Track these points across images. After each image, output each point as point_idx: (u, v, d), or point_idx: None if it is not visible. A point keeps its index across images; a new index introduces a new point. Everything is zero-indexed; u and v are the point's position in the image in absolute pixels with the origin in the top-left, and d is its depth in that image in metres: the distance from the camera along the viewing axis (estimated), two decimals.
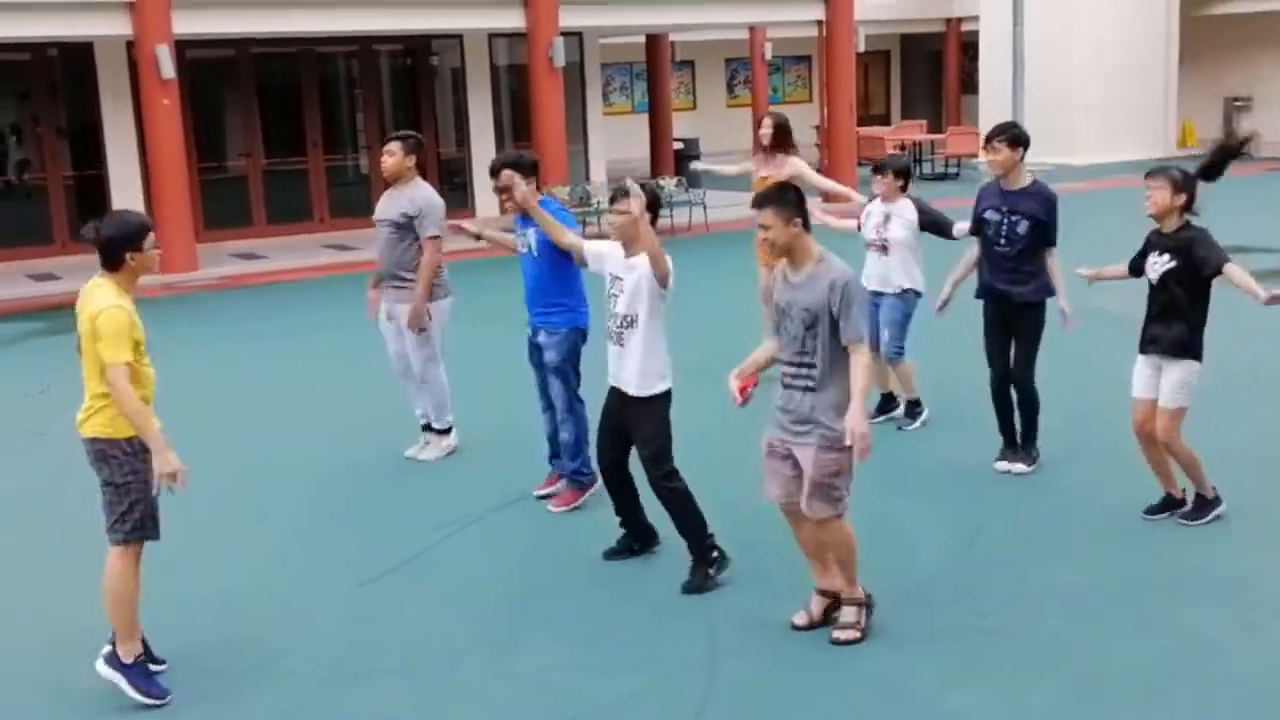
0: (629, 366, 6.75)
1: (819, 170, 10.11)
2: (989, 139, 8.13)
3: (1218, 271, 6.97)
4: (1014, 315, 8.21)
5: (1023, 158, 8.10)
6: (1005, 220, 8.07)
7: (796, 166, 10.37)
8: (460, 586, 6.98)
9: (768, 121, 10.70)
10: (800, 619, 6.24)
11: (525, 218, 7.80)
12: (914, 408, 9.49)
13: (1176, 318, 7.10)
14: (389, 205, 8.94)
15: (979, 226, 8.28)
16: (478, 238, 8.57)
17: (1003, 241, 8.08)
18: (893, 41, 41.07)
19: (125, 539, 5.74)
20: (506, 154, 8.26)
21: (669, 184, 21.62)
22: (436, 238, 8.82)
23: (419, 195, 8.86)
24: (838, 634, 6.04)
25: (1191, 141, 31.71)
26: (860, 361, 5.77)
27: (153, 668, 5.89)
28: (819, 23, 23.91)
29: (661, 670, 5.88)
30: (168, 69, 17.93)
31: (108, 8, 17.81)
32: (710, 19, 24.67)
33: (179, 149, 18.63)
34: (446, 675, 5.96)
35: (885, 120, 39.56)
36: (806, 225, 5.86)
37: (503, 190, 7.75)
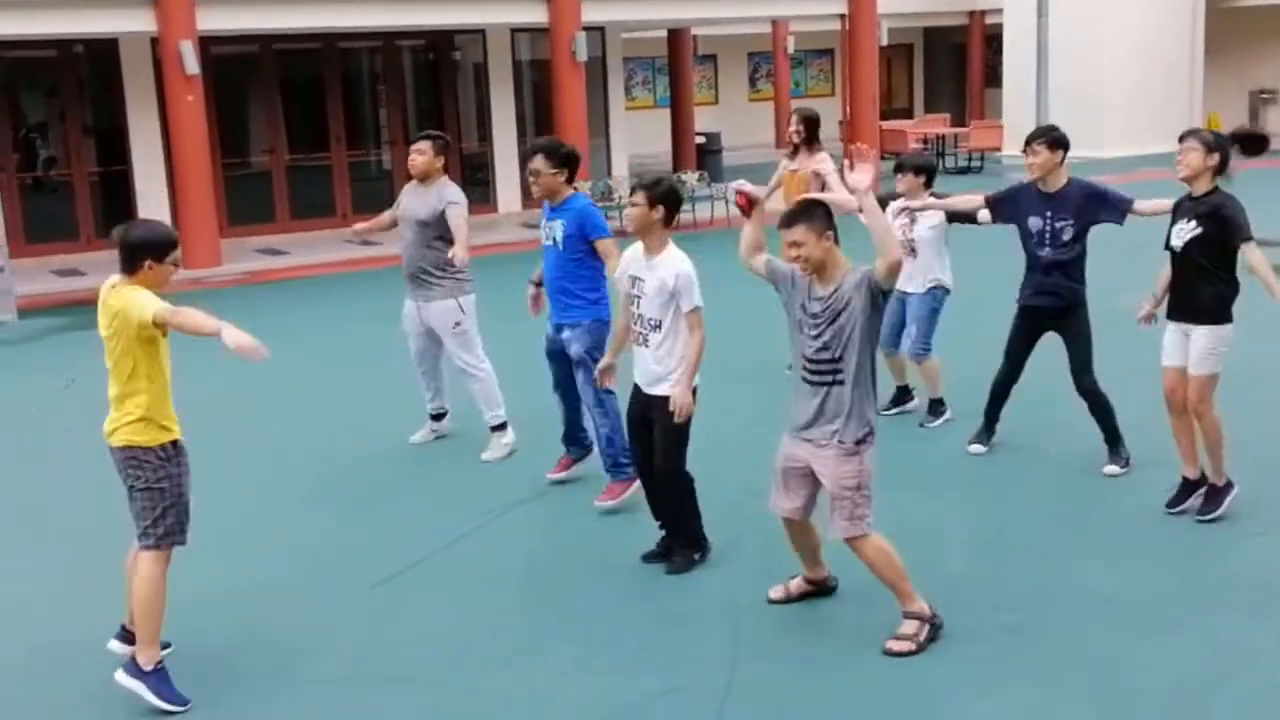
0: (654, 367, 6.76)
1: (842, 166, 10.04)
2: (1028, 142, 8.11)
3: (1247, 239, 6.93)
4: (1059, 318, 8.17)
5: (1063, 160, 8.05)
6: (1049, 226, 8.02)
7: (826, 162, 10.32)
8: (477, 586, 6.97)
9: (795, 119, 10.69)
10: (776, 592, 6.34)
11: (553, 208, 7.81)
12: (938, 406, 9.46)
13: (1204, 282, 7.06)
14: (414, 203, 8.95)
15: (1021, 232, 8.18)
16: (539, 285, 8.32)
17: (1048, 249, 8.04)
18: (916, 35, 40.93)
19: (158, 543, 5.75)
20: (539, 140, 8.20)
21: (691, 178, 21.61)
22: (465, 215, 8.82)
23: (446, 191, 8.89)
24: (892, 643, 5.90)
25: None
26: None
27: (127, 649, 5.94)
28: (841, 16, 23.84)
29: (682, 672, 5.87)
30: (192, 65, 17.97)
31: (132, 4, 17.86)
32: (732, 13, 24.62)
33: (203, 145, 18.67)
34: (466, 679, 5.95)
35: (908, 114, 39.45)
36: (837, 239, 5.83)
37: (531, 174, 7.80)
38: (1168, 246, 7.28)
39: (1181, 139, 7.13)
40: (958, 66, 40.20)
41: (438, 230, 8.83)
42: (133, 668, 5.76)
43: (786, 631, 6.20)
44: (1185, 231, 7.08)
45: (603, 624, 6.43)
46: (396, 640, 6.35)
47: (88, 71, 21.15)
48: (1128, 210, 7.95)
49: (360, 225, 9.58)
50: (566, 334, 7.85)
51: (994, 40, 36.13)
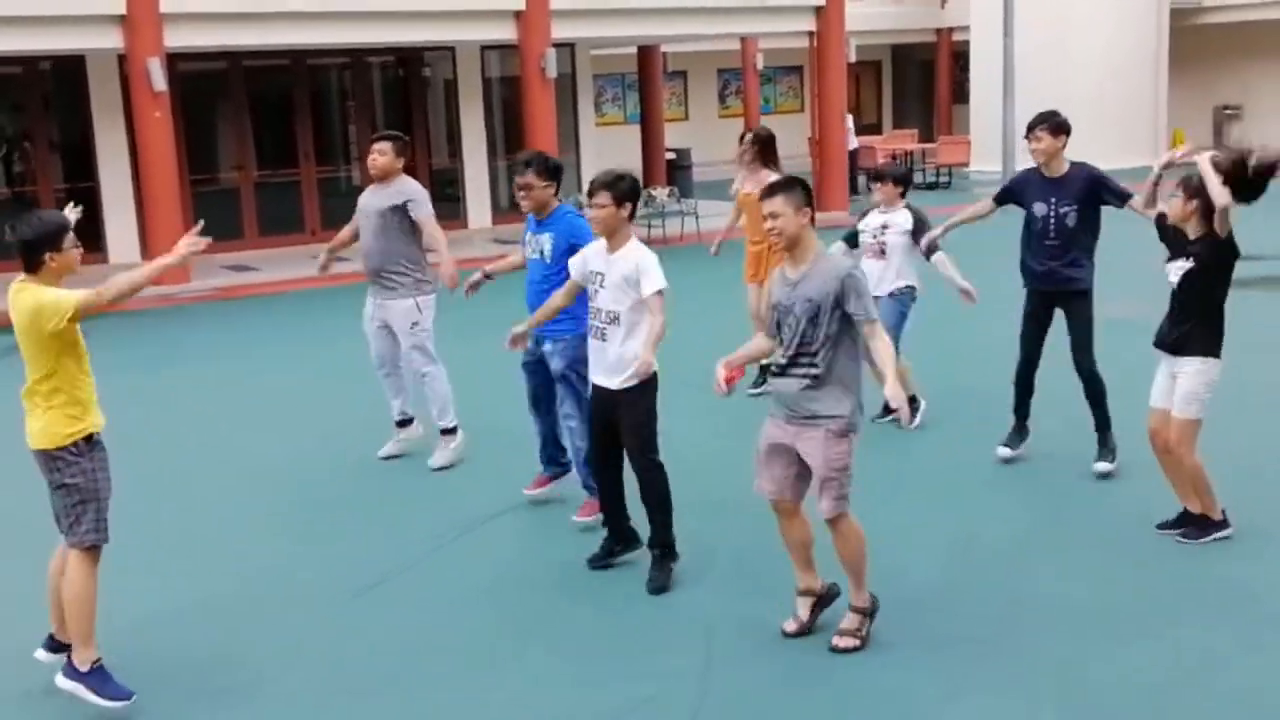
0: (613, 360, 6.75)
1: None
2: (1031, 127, 8.28)
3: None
4: (1064, 303, 8.30)
5: (1064, 146, 8.24)
6: (1053, 212, 8.17)
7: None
8: (451, 599, 6.96)
9: (749, 137, 10.64)
10: (790, 626, 6.23)
11: (540, 221, 7.76)
12: (912, 403, 9.49)
13: (1193, 315, 7.07)
14: (374, 198, 8.97)
15: (1012, 202, 8.45)
16: (488, 277, 8.38)
17: (1053, 234, 8.18)
18: (884, 52, 41.16)
19: (81, 541, 5.70)
20: (527, 154, 8.18)
21: (661, 194, 21.64)
22: (432, 215, 8.90)
23: (407, 186, 8.94)
24: (838, 640, 6.01)
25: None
26: (880, 337, 5.81)
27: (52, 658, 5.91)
28: (810, 33, 23.94)
29: (655, 681, 5.87)
30: (159, 82, 17.91)
31: (99, 21, 17.79)
32: (702, 30, 24.68)
33: (171, 161, 18.60)
34: (440, 690, 5.94)
35: (877, 130, 39.61)
36: (813, 219, 5.90)
37: (521, 188, 7.76)
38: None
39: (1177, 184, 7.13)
40: (925, 83, 40.44)
41: (398, 221, 8.85)
42: (70, 670, 5.73)
43: (759, 642, 6.20)
44: (1179, 267, 7.08)
45: (576, 636, 6.43)
46: (369, 653, 6.33)
47: (54, 88, 21.06)
48: (1126, 199, 8.12)
49: (326, 248, 9.48)
50: (548, 347, 7.65)
51: (961, 57, 36.37)
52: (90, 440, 5.77)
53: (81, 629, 5.72)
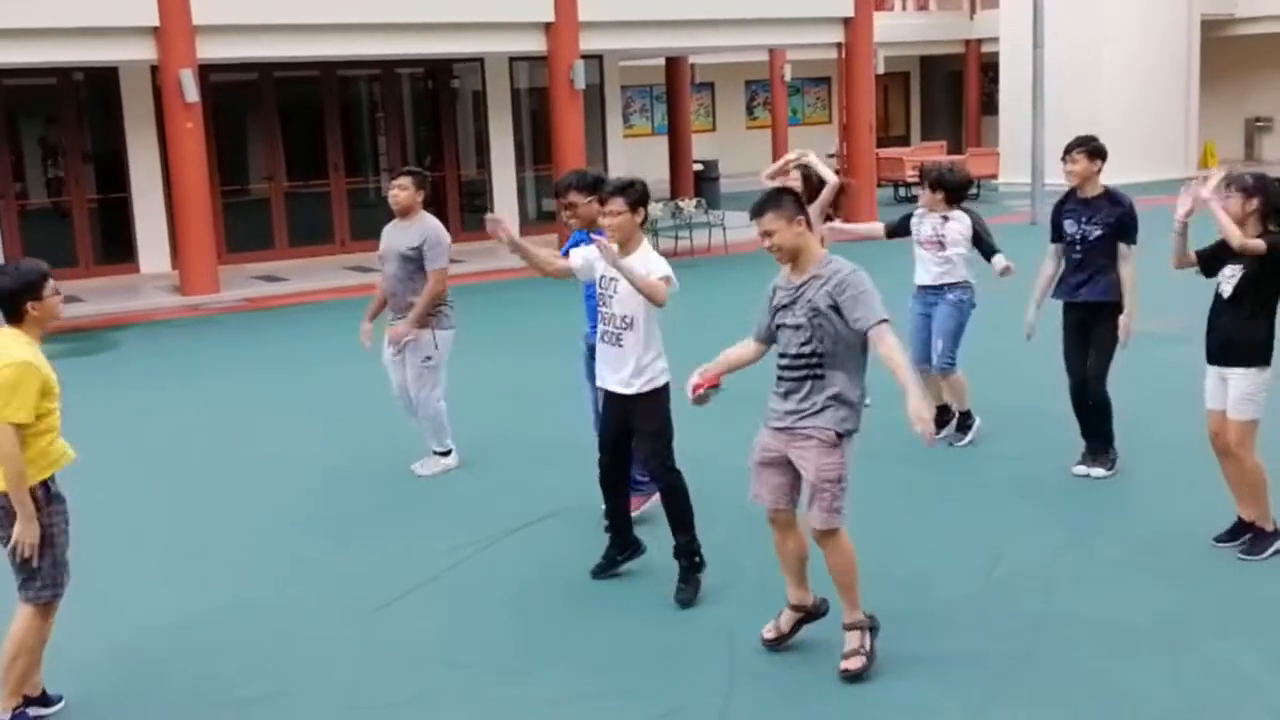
0: (628, 366, 6.73)
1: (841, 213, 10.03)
2: (1068, 150, 8.48)
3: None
4: (1089, 316, 8.40)
5: (1099, 170, 8.42)
6: (1081, 228, 8.39)
7: (809, 154, 10.16)
8: (475, 610, 6.98)
9: (798, 174, 10.57)
10: (769, 633, 6.24)
11: (593, 235, 7.67)
12: (965, 419, 9.51)
13: (1241, 323, 7.02)
14: (397, 238, 9.06)
15: (1058, 235, 8.55)
16: (512, 246, 8.36)
17: (1078, 249, 8.40)
18: (912, 63, 41.11)
19: (36, 596, 5.59)
20: (564, 176, 8.16)
21: (688, 205, 21.68)
22: (443, 270, 8.96)
23: (426, 228, 9.01)
24: (846, 665, 5.89)
25: (1213, 162, 31.62)
26: (889, 342, 5.62)
27: (43, 711, 5.81)
28: (838, 45, 23.94)
29: (677, 696, 5.86)
30: (191, 93, 18.05)
31: (133, 32, 17.94)
32: (730, 41, 24.71)
33: (202, 172, 18.74)
34: (463, 704, 5.95)
35: (905, 141, 39.58)
36: (809, 224, 5.84)
37: (566, 208, 7.77)
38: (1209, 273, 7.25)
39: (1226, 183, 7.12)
40: (954, 94, 40.37)
41: (416, 263, 8.95)
42: None
43: (782, 656, 6.19)
44: (1230, 276, 7.04)
45: (599, 650, 6.43)
46: (392, 667, 6.34)
47: (87, 99, 21.23)
48: (1128, 246, 8.29)
49: (366, 316, 9.48)
50: None
51: (990, 69, 36.30)
52: (47, 489, 5.58)
53: (14, 679, 5.61)
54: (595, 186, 7.71)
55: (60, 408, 5.66)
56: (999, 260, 9.08)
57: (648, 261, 6.71)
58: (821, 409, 5.77)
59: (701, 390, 6.06)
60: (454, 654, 6.45)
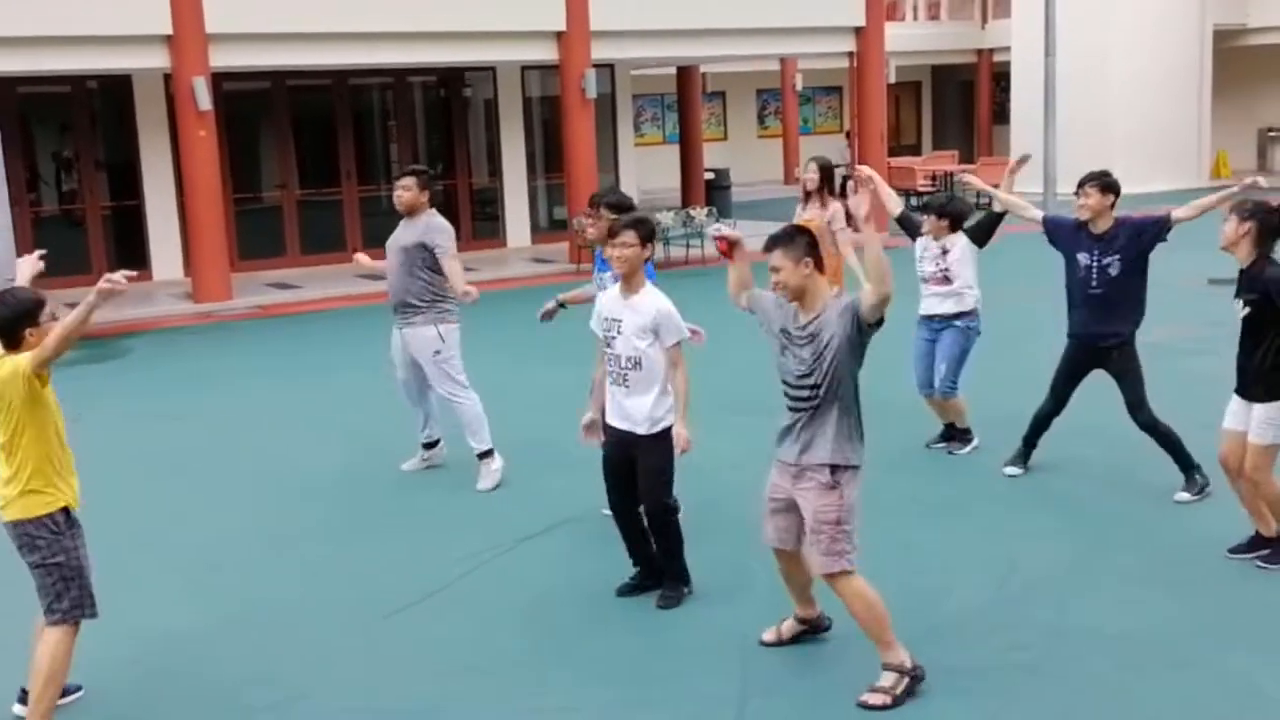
0: (638, 407, 6.70)
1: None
2: (1081, 184, 8.31)
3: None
4: (1105, 358, 8.32)
5: (1112, 205, 8.27)
6: (1096, 264, 8.21)
7: (839, 218, 10.37)
8: (489, 618, 6.98)
9: (812, 166, 10.72)
10: (768, 636, 6.28)
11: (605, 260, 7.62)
12: (965, 434, 9.59)
13: (1260, 357, 7.01)
14: (400, 235, 9.17)
15: (1058, 242, 8.45)
16: (562, 306, 8.43)
17: (1094, 284, 8.22)
18: (924, 72, 41.11)
19: (64, 618, 5.64)
20: (614, 193, 8.14)
21: (700, 213, 21.68)
22: (454, 255, 9.03)
23: (433, 223, 9.07)
24: (868, 696, 5.75)
25: (1225, 172, 31.58)
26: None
27: (64, 700, 5.84)
28: (850, 54, 23.96)
29: (690, 707, 5.86)
30: (204, 101, 18.11)
31: (146, 41, 18.00)
32: (741, 51, 24.73)
33: (215, 180, 18.80)
34: (473, 715, 5.95)
35: (916, 150, 39.56)
36: (819, 267, 5.81)
37: (592, 217, 7.76)
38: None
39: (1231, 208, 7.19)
40: (965, 104, 40.35)
41: (422, 257, 8.99)
42: None
43: (796, 668, 6.19)
44: (1239, 310, 7.08)
45: (612, 659, 6.43)
46: (403, 674, 6.35)
47: (101, 107, 21.29)
48: (1167, 224, 8.18)
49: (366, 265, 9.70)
50: None
51: (1002, 78, 36.28)
52: (68, 514, 5.67)
53: (44, 701, 5.63)
54: (624, 212, 7.62)
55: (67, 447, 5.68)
56: (1035, 213, 8.88)
57: (655, 306, 6.67)
58: (819, 445, 5.75)
59: (723, 246, 6.09)
60: (466, 662, 6.45)
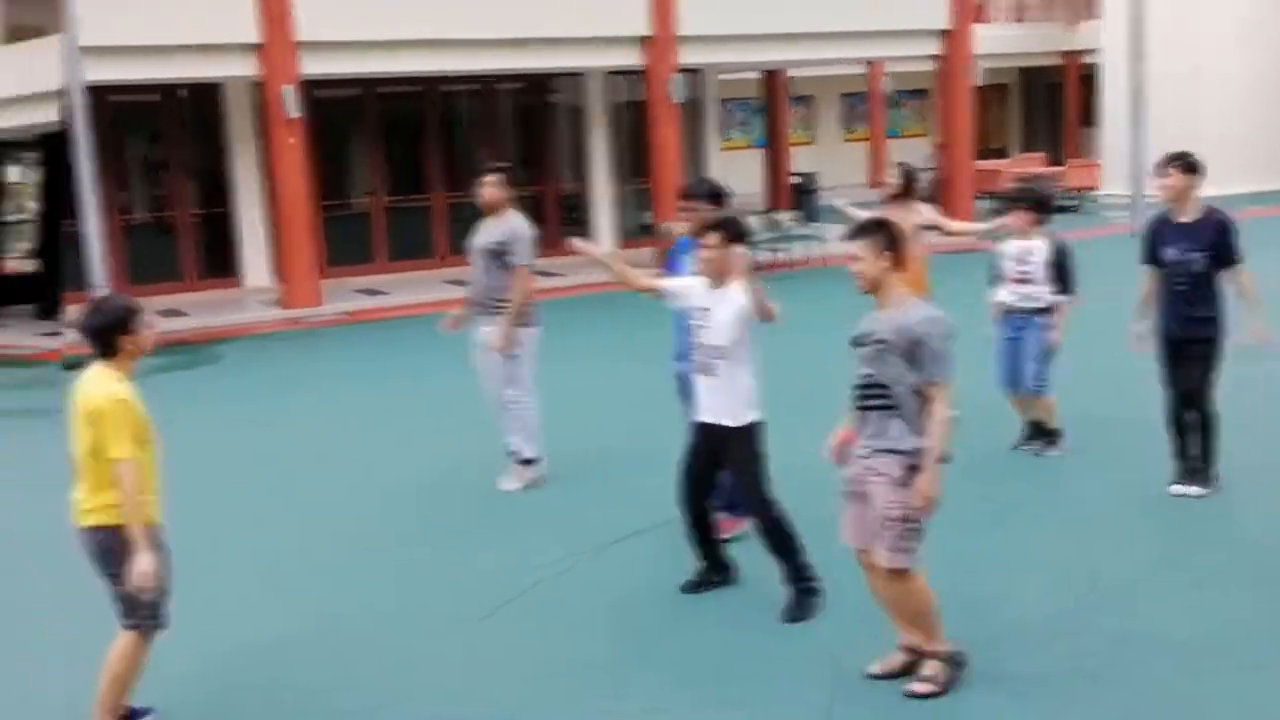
0: (723, 398, 6.70)
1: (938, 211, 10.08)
2: (1162, 165, 8.11)
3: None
4: (1189, 349, 8.12)
5: (1196, 186, 8.04)
6: (1183, 255, 8.01)
7: (925, 215, 10.34)
8: (576, 620, 6.98)
9: (896, 172, 10.67)
10: (875, 667, 6.09)
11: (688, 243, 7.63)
12: (1054, 435, 9.44)
13: None
14: (483, 234, 9.17)
15: (1155, 261, 8.19)
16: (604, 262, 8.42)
17: (1181, 279, 8.02)
18: (1012, 75, 40.66)
19: (138, 625, 5.66)
20: (704, 182, 8.11)
21: (786, 218, 21.61)
22: (524, 267, 9.00)
23: (512, 225, 9.06)
24: (916, 686, 5.82)
25: None
26: (937, 410, 5.62)
27: None
28: (936, 57, 23.78)
29: (774, 713, 5.81)
30: (293, 109, 18.31)
31: (236, 49, 18.24)
32: (828, 54, 24.62)
33: (303, 187, 18.99)
34: (559, 715, 5.95)
35: (1004, 154, 39.17)
36: (899, 265, 5.78)
37: (684, 209, 7.69)
38: None
39: None
40: (1054, 106, 39.89)
41: (501, 258, 9.00)
42: None
43: (888, 679, 6.06)
44: None
45: (699, 661, 6.40)
46: (487, 677, 6.36)
47: (191, 115, 21.59)
48: (1234, 264, 8.00)
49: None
50: None
51: (1090, 80, 35.83)
52: (152, 529, 5.63)
53: (110, 703, 5.67)
54: (718, 201, 7.60)
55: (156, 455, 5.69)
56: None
57: (743, 294, 6.63)
58: (888, 442, 5.71)
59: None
60: (551, 665, 6.45)
